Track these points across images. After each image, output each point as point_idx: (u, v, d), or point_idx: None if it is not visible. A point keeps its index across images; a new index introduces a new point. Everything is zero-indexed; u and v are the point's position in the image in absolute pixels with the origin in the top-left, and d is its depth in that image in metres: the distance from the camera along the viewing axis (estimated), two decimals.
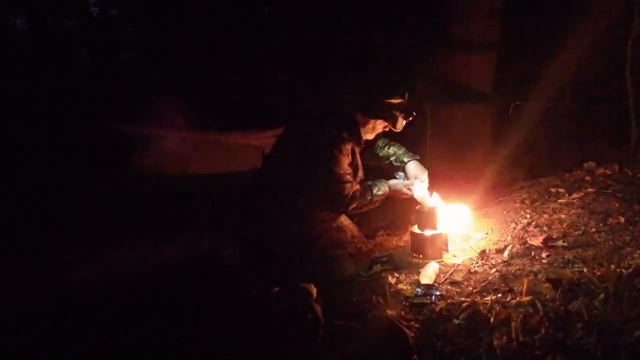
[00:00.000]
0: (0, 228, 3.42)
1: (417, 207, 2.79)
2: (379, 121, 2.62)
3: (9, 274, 2.78)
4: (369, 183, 2.67)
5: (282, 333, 2.03)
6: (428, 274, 2.37)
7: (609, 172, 3.51)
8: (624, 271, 1.96)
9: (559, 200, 3.12)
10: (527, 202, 3.26)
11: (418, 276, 2.43)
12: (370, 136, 2.70)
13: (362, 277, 2.54)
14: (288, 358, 1.92)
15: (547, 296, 1.89)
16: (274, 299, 2.30)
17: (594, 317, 1.68)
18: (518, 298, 1.94)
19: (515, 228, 2.84)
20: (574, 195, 3.12)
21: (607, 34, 4.44)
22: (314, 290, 2.32)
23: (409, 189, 2.75)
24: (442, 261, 2.62)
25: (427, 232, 2.72)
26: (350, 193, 2.47)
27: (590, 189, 3.17)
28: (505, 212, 3.18)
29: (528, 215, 2.98)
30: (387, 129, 2.68)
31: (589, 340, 1.57)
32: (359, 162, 2.65)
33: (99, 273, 2.73)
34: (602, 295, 1.81)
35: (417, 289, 2.24)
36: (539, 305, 1.81)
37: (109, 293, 2.49)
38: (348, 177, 2.49)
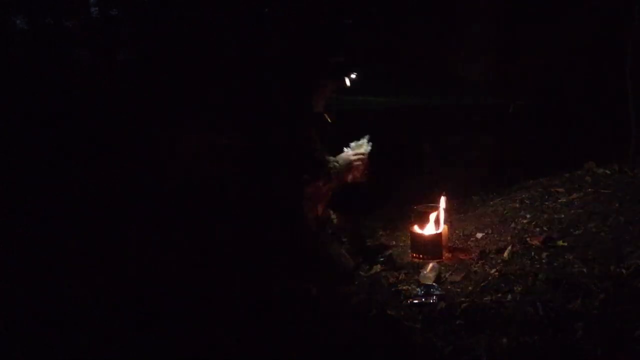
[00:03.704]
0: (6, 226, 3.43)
1: (415, 208, 2.79)
2: (329, 82, 2.64)
3: (12, 273, 2.79)
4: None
5: (282, 333, 2.03)
6: (428, 274, 2.37)
7: (608, 172, 3.51)
8: (624, 271, 1.97)
9: (559, 200, 3.12)
10: (527, 202, 3.26)
11: (418, 276, 2.43)
12: (320, 102, 2.70)
13: (362, 277, 2.54)
14: (288, 358, 1.92)
15: (547, 296, 1.89)
16: (274, 299, 2.31)
17: (594, 317, 1.68)
18: (518, 298, 1.94)
19: (515, 228, 2.84)
20: (574, 195, 3.12)
21: (607, 34, 4.45)
22: (314, 290, 2.32)
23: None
24: (442, 261, 2.62)
25: (427, 232, 2.73)
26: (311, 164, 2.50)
27: (590, 189, 3.17)
28: (505, 212, 3.18)
29: (528, 215, 2.98)
30: (333, 95, 2.70)
31: (589, 340, 1.57)
32: (315, 134, 2.67)
33: (100, 272, 2.73)
34: (602, 295, 1.81)
35: (417, 289, 2.24)
36: (539, 305, 1.81)
37: (110, 292, 2.49)
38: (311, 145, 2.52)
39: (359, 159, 2.68)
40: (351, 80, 2.66)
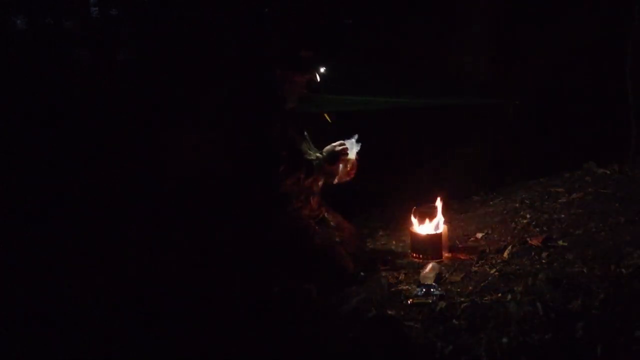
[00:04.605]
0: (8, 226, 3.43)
1: (415, 208, 2.79)
2: (298, 77, 2.64)
3: (12, 273, 2.79)
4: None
5: (282, 333, 2.03)
6: (428, 274, 2.37)
7: (608, 172, 3.51)
8: (624, 271, 1.97)
9: (559, 200, 3.12)
10: (527, 202, 3.27)
11: (418, 276, 2.43)
12: (293, 97, 2.69)
13: (361, 277, 2.54)
14: (288, 358, 1.92)
15: (547, 296, 1.89)
16: (274, 299, 2.31)
17: (594, 317, 1.69)
18: (518, 298, 1.94)
19: (515, 228, 2.84)
20: (574, 195, 3.13)
21: (607, 34, 4.44)
22: (314, 290, 2.32)
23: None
24: (442, 261, 2.62)
25: (427, 232, 2.73)
26: (281, 165, 2.50)
27: (590, 189, 3.17)
28: (505, 212, 3.18)
29: (528, 215, 2.98)
30: (305, 90, 2.70)
31: (589, 340, 1.57)
32: (290, 135, 2.66)
33: (100, 272, 2.73)
34: (602, 295, 1.81)
35: (417, 289, 2.24)
36: (539, 305, 1.81)
37: (110, 292, 2.49)
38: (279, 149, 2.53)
39: (344, 150, 2.65)
40: (320, 75, 2.67)
